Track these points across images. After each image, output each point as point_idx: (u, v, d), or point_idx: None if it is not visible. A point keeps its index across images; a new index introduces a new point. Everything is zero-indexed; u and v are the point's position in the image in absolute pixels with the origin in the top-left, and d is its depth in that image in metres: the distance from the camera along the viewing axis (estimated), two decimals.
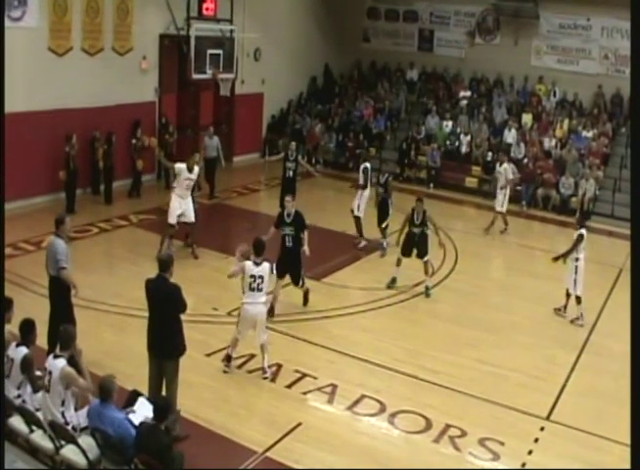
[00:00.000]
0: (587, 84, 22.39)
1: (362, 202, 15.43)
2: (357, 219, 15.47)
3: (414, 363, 10.18)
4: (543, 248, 16.75)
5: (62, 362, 7.08)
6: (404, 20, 25.91)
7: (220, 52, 18.10)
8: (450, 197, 19.99)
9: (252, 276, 9.35)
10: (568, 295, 12.25)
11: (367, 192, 15.50)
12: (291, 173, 16.75)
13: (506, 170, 16.98)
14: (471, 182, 21.08)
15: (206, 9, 17.99)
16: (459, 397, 9.52)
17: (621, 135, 21.00)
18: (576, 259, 11.98)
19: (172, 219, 13.65)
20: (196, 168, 13.89)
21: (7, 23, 14.92)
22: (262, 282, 9.41)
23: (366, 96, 24.70)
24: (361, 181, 15.53)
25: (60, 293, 9.26)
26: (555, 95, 22.97)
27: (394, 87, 25.10)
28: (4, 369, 7.53)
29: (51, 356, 7.21)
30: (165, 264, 7.99)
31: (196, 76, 17.75)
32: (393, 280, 13.14)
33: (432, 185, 21.12)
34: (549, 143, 21.05)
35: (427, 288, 13.03)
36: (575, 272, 11.96)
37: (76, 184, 16.41)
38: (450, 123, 22.53)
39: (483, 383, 9.87)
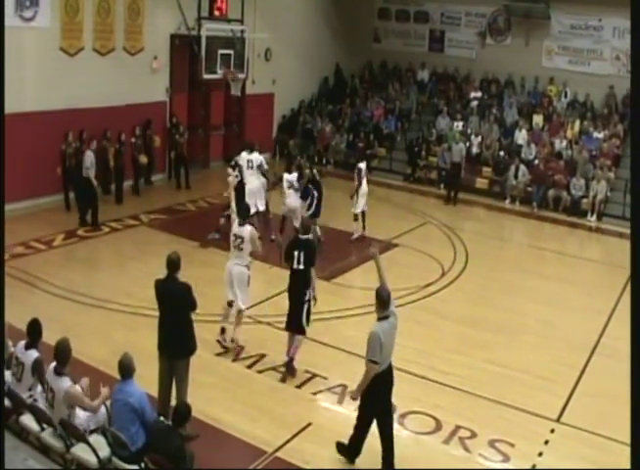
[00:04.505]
0: (598, 85, 22.33)
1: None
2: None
3: (424, 364, 10.17)
4: (554, 249, 16.74)
5: (66, 383, 6.93)
6: (415, 20, 25.92)
7: (231, 52, 18.17)
8: (461, 198, 19.93)
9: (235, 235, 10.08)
10: (356, 219, 15.68)
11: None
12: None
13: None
14: (481, 183, 21.05)
15: (217, 9, 18.04)
16: (469, 398, 9.50)
17: None
18: (360, 186, 15.52)
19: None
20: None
21: (19, 23, 15.04)
22: (242, 242, 9.99)
23: (377, 96, 24.73)
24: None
25: None
26: (566, 96, 22.92)
27: (405, 88, 25.09)
28: (4, 368, 7.53)
29: (52, 370, 7.03)
30: (174, 264, 7.98)
31: (206, 76, 17.81)
32: None
33: (442, 186, 21.08)
34: (560, 144, 20.99)
35: None
36: (357, 196, 15.49)
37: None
38: (461, 124, 22.48)
39: (494, 384, 9.85)
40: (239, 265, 10.09)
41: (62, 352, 7.02)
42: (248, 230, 10.02)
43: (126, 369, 6.97)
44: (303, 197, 14.64)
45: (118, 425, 6.94)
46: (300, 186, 14.76)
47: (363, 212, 15.79)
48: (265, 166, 15.28)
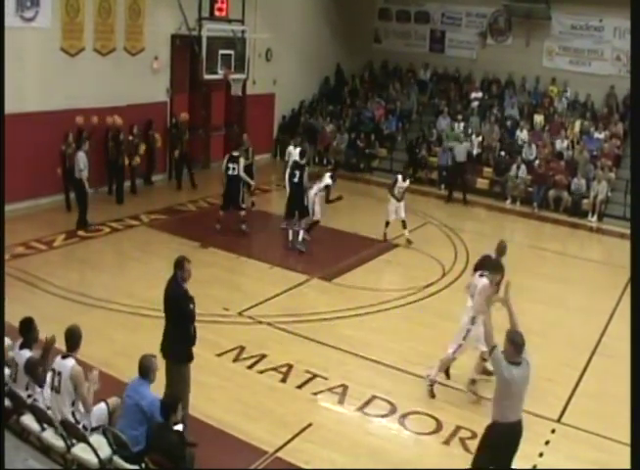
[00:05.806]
0: (599, 85, 22.32)
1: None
2: None
3: (425, 364, 10.14)
4: (555, 249, 16.73)
5: (71, 362, 7.05)
6: (416, 21, 25.90)
7: (232, 52, 18.17)
8: (461, 198, 19.92)
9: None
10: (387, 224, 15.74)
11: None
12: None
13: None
14: (482, 183, 21.04)
15: (218, 9, 18.05)
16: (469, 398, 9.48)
17: None
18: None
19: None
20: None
21: (20, 23, 15.04)
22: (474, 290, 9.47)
23: (377, 97, 24.71)
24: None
25: None
26: (567, 96, 22.90)
27: (406, 88, 25.06)
28: (4, 368, 7.52)
29: (59, 357, 7.14)
30: (176, 264, 7.86)
31: (207, 77, 17.81)
32: None
33: (443, 186, 21.06)
34: (561, 144, 20.99)
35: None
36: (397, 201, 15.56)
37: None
38: (462, 124, 22.46)
39: (494, 384, 9.80)
40: (466, 312, 9.47)
41: (71, 338, 7.13)
42: (482, 283, 9.35)
43: (145, 370, 6.97)
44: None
45: (124, 422, 6.95)
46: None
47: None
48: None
